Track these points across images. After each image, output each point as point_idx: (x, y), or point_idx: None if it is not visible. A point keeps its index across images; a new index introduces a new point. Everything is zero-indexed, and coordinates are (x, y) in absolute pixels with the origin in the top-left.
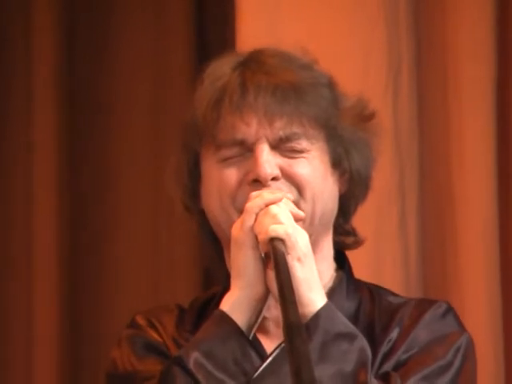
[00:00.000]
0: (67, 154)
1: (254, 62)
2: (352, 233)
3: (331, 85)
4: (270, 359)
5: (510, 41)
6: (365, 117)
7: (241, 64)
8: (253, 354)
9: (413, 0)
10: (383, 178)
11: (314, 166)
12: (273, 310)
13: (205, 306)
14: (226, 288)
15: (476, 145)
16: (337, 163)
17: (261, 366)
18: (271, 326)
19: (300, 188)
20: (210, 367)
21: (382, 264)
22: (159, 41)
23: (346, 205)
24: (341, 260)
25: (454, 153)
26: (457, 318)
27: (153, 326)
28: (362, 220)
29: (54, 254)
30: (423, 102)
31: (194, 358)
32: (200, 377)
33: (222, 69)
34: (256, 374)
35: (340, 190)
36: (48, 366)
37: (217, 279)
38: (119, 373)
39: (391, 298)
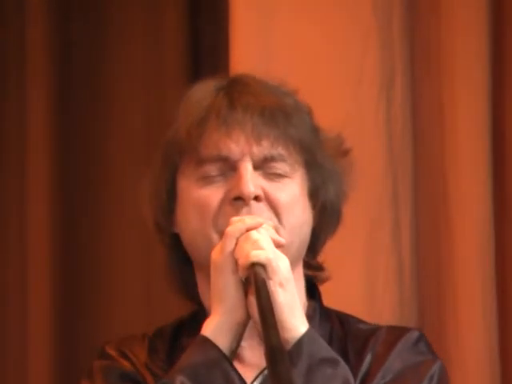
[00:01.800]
0: (61, 156)
1: (239, 84)
2: (319, 268)
3: (311, 114)
4: None
5: (505, 50)
6: (342, 151)
7: (226, 86)
8: (236, 379)
9: (407, 7)
10: (376, 189)
11: (294, 194)
12: (249, 339)
13: (176, 333)
14: (198, 312)
15: (471, 154)
16: (314, 194)
17: None
18: (246, 353)
19: (280, 215)
20: None
21: (374, 277)
22: (153, 50)
23: (315, 239)
24: (311, 290)
25: (448, 162)
26: (429, 345)
27: (125, 356)
28: (353, 232)
29: (47, 255)
30: (417, 111)
31: (179, 382)
32: None
33: (206, 89)
34: None
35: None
36: (41, 368)
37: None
38: None
39: (361, 325)
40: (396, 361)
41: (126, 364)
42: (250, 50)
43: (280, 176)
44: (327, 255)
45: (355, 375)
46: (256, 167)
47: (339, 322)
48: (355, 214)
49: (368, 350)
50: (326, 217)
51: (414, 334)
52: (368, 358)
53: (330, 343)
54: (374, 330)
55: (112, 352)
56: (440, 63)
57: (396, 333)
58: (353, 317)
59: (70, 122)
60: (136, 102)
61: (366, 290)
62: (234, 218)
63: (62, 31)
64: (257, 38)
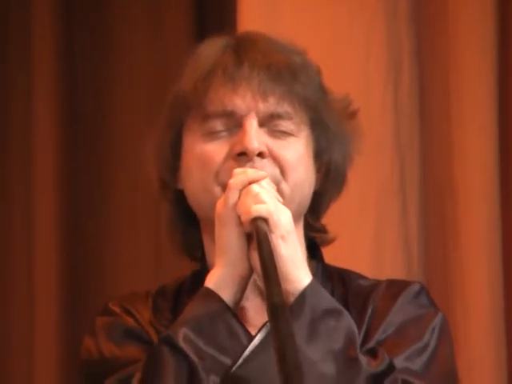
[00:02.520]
0: (67, 152)
1: (247, 41)
2: (322, 230)
3: (319, 73)
4: (259, 338)
5: None
6: (350, 113)
7: (234, 43)
8: (240, 331)
9: None
10: (383, 174)
11: (299, 153)
12: (252, 300)
13: (179, 292)
14: (201, 271)
15: (478, 139)
16: (318, 155)
17: (250, 343)
18: (250, 314)
19: (283, 171)
20: (200, 343)
21: (382, 261)
22: (159, 48)
23: (318, 202)
24: (313, 251)
25: (455, 148)
26: (430, 298)
27: (129, 313)
28: (361, 217)
29: (54, 244)
30: (424, 97)
31: (183, 334)
32: (191, 353)
33: (213, 46)
34: (248, 351)
35: (314, 187)
36: (49, 356)
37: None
38: (96, 359)
39: (361, 281)
40: (397, 314)
41: (129, 320)
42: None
43: (285, 134)
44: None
45: (358, 331)
46: (261, 124)
47: (340, 279)
48: (363, 196)
49: (369, 306)
50: (330, 179)
51: (415, 287)
52: (369, 313)
53: None
54: (375, 285)
55: (115, 308)
56: (447, 46)
57: (397, 286)
58: (354, 273)
59: (77, 115)
60: (142, 99)
61: (374, 272)
62: (237, 170)
63: (66, 30)
64: (262, 22)
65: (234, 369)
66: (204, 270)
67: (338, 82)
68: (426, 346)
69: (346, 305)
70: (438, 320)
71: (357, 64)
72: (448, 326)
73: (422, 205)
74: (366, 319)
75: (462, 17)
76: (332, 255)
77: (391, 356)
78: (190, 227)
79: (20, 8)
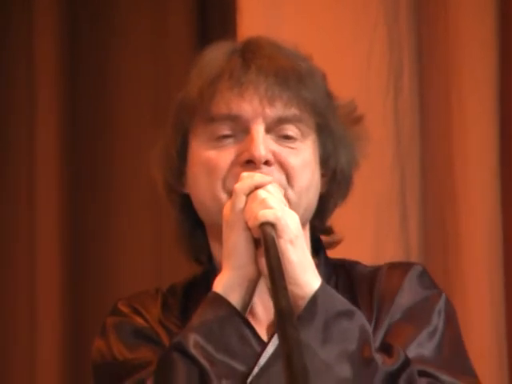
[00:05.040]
0: (69, 151)
1: (253, 46)
2: (329, 231)
3: (325, 79)
4: (273, 345)
5: None
6: (355, 118)
7: (240, 48)
8: (250, 335)
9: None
10: (383, 181)
11: (305, 158)
12: (261, 295)
13: (188, 290)
14: (210, 271)
15: (479, 145)
16: (325, 160)
17: (260, 347)
18: (258, 309)
19: (289, 177)
20: (210, 349)
21: None
22: (161, 47)
23: (324, 206)
24: (316, 246)
25: (456, 153)
26: (432, 279)
27: (138, 312)
28: (361, 224)
29: (56, 244)
30: (425, 103)
31: (193, 340)
32: (201, 359)
33: (219, 51)
34: (263, 360)
35: (320, 191)
36: (50, 356)
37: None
38: (108, 362)
39: (363, 269)
40: (404, 297)
41: (138, 320)
42: (257, 33)
43: (291, 139)
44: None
45: (368, 320)
46: (268, 130)
47: (343, 269)
48: (363, 203)
49: (374, 291)
50: (335, 184)
51: (418, 268)
52: (376, 298)
53: None
54: (376, 269)
55: (124, 309)
56: (448, 52)
57: (399, 269)
58: (354, 261)
59: (79, 117)
60: (144, 98)
61: None
62: (244, 174)
63: (69, 26)
64: (264, 25)
65: (250, 379)
66: (213, 269)
67: (338, 86)
68: (435, 329)
69: (352, 294)
70: (442, 301)
71: (358, 69)
72: (452, 306)
73: (423, 212)
74: (375, 304)
75: (462, 22)
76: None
77: (402, 341)
78: (195, 231)
79: (22, 8)
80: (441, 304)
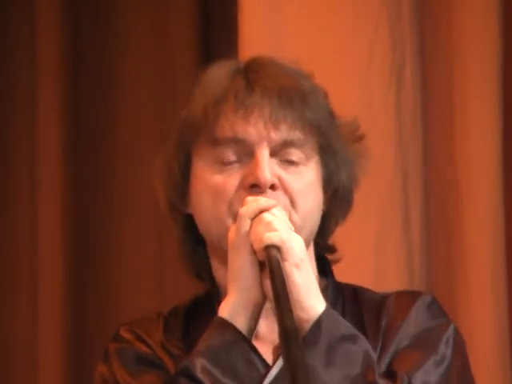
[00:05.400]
0: (71, 151)
1: (255, 66)
2: (331, 249)
3: (327, 98)
4: (277, 367)
5: None
6: (357, 137)
7: (243, 67)
8: (256, 360)
9: None
10: (386, 179)
11: (308, 182)
12: (266, 316)
13: (190, 312)
14: (213, 292)
15: (481, 144)
16: (327, 179)
17: (266, 371)
18: (264, 330)
19: (293, 202)
20: (217, 374)
21: (384, 270)
22: (163, 48)
23: (326, 224)
24: (322, 267)
25: (458, 152)
26: (441, 308)
27: (140, 339)
28: (363, 227)
29: (58, 252)
30: (427, 101)
31: (200, 365)
32: (208, 383)
33: (223, 70)
34: (267, 381)
35: (322, 209)
36: (52, 358)
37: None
38: None
39: (372, 296)
40: (411, 326)
41: (141, 347)
42: (260, 37)
43: (295, 164)
44: (337, 245)
45: (374, 347)
46: (273, 153)
47: (352, 296)
48: (365, 202)
49: (382, 319)
50: (337, 201)
51: (427, 298)
52: (383, 327)
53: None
54: (385, 297)
55: (127, 335)
56: (450, 49)
57: (408, 297)
58: (364, 288)
59: (81, 120)
60: (146, 100)
61: (377, 279)
62: (249, 198)
63: (71, 29)
64: (266, 22)
65: None
66: (215, 290)
67: (340, 85)
68: (443, 358)
69: (359, 319)
70: (450, 331)
71: (360, 67)
72: (461, 336)
73: (425, 212)
74: (381, 333)
75: (465, 21)
76: (333, 265)
77: (408, 368)
78: (197, 248)
79: (24, 8)
80: (449, 333)
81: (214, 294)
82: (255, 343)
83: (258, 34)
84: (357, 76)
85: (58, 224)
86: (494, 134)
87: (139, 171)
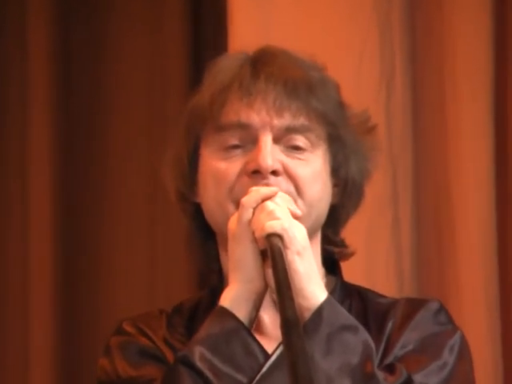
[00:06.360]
0: (62, 151)
1: (265, 55)
2: (341, 244)
3: (338, 89)
4: (276, 355)
5: (508, 42)
6: (367, 128)
7: (252, 56)
8: (256, 349)
9: (407, 2)
10: (375, 184)
11: (315, 169)
12: (267, 310)
13: (194, 308)
14: (219, 282)
15: (473, 147)
16: (335, 170)
17: (267, 361)
18: (266, 325)
19: (298, 188)
20: (216, 362)
21: (373, 274)
22: (155, 46)
23: (336, 217)
24: (331, 265)
25: (450, 157)
26: (449, 315)
27: (143, 333)
28: (352, 229)
29: (49, 251)
30: (417, 106)
31: (199, 353)
32: (207, 372)
33: (232, 60)
34: (264, 369)
35: (331, 201)
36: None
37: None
38: (112, 380)
39: (380, 299)
40: (415, 331)
41: (144, 340)
42: (249, 43)
43: (301, 149)
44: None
45: (376, 349)
46: (276, 140)
47: (359, 296)
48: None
49: (388, 323)
50: (347, 194)
51: (434, 305)
52: (388, 330)
53: None
54: (393, 302)
55: (129, 329)
56: (441, 54)
57: (415, 304)
58: (372, 291)
59: (72, 118)
60: (137, 100)
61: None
62: (252, 188)
63: (62, 30)
64: (256, 29)
65: None
66: (220, 286)
67: None
68: (445, 364)
69: (365, 321)
70: (456, 338)
71: (349, 71)
72: (467, 344)
73: (415, 216)
74: (385, 336)
75: (456, 25)
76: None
77: (409, 369)
78: (207, 240)
79: (16, 7)
80: (454, 340)
81: (218, 291)
82: (259, 338)
83: (248, 33)
84: (346, 81)
85: (49, 223)
86: (486, 138)
87: (131, 170)
